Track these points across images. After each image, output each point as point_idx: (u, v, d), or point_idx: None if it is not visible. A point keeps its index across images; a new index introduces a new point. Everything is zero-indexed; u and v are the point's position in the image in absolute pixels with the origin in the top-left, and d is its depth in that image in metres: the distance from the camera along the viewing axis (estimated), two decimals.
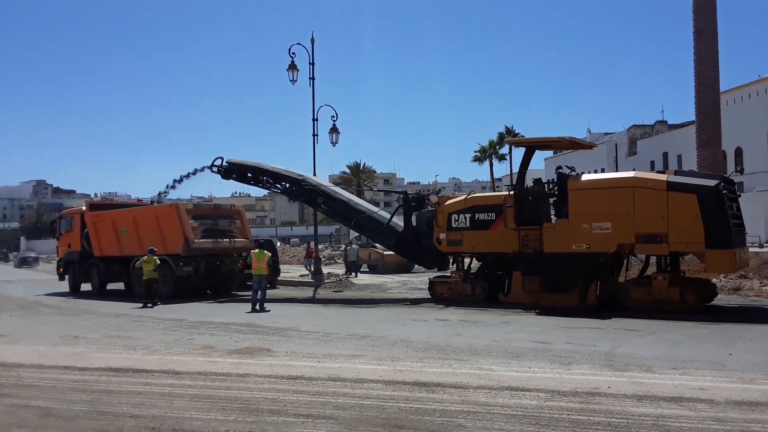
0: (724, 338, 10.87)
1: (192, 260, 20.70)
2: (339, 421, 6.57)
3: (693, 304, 14.03)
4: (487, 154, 61.53)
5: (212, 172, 21.80)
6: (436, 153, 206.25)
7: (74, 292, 24.46)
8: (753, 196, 42.41)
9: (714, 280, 18.31)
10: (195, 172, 22.32)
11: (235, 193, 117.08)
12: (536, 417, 6.45)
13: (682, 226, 13.75)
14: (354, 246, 31.39)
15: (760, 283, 17.72)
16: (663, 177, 14.55)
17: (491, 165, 62.06)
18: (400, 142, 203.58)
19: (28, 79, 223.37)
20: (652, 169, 48.44)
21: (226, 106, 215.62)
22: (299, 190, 21.09)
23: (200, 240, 20.61)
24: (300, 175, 21.12)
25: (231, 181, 22.40)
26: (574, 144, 18.46)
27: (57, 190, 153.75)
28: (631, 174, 15.80)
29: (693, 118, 27.27)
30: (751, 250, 27.18)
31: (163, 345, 11.62)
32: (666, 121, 62.19)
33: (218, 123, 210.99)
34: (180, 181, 22.77)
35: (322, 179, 22.83)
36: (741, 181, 46.98)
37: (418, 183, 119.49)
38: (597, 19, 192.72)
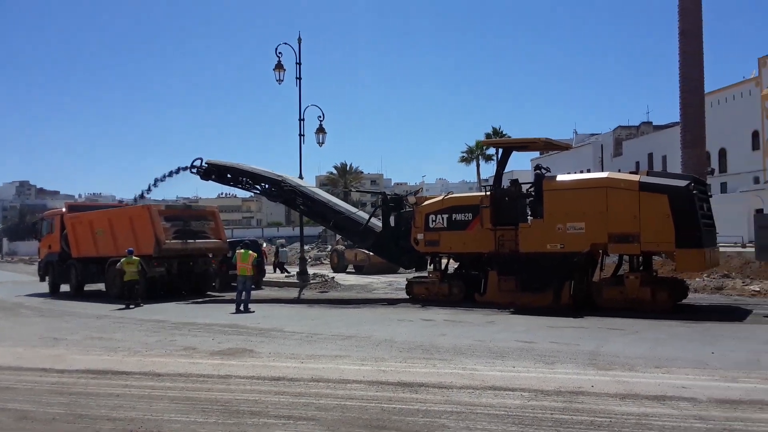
0: (707, 337, 10.91)
1: (164, 261, 20.77)
2: (321, 422, 6.51)
3: (664, 303, 14.13)
4: (474, 154, 61.81)
5: (191, 173, 21.74)
6: (424, 154, 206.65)
7: (54, 293, 24.30)
8: (736, 196, 42.80)
9: (697, 279, 18.45)
10: (174, 173, 22.21)
11: (222, 194, 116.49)
12: (519, 417, 6.42)
13: (653, 225, 13.89)
14: (284, 249, 34.41)
15: (743, 282, 17.83)
16: (635, 177, 14.69)
17: (478, 166, 62.36)
18: (388, 142, 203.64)
19: (12, 80, 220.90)
20: (638, 169, 48.72)
21: (212, 106, 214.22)
22: (278, 190, 21.06)
23: (172, 241, 20.61)
24: (279, 176, 21.10)
25: (212, 182, 22.31)
26: (549, 145, 18.65)
27: (41, 191, 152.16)
28: (604, 174, 16.06)
29: (678, 119, 27.41)
30: (733, 249, 27.43)
31: (144, 346, 11.47)
32: (651, 122, 62.67)
33: (203, 124, 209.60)
34: (162, 180, 22.64)
35: (301, 180, 22.82)
36: (725, 182, 47.53)
37: (406, 183, 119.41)
38: (583, 21, 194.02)
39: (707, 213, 14.73)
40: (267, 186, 21.47)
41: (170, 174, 22.54)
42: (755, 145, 45.60)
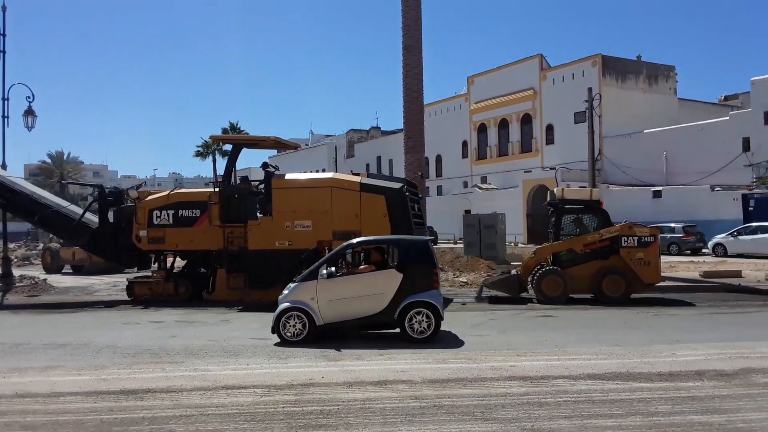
0: None
1: None
2: None
3: None
4: (210, 149, 60.14)
5: None
6: (156, 146, 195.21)
7: None
8: (449, 198, 48.43)
9: None
10: None
11: None
12: (252, 414, 6.39)
13: (372, 224, 15.08)
14: None
15: (454, 274, 20.13)
16: (357, 179, 15.86)
17: (214, 161, 60.78)
18: (115, 131, 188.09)
19: None
20: (368, 170, 52.28)
21: None
22: None
23: None
24: None
25: None
26: (279, 144, 19.22)
27: None
28: (329, 175, 17.14)
29: (402, 126, 29.90)
30: (446, 246, 30.88)
31: None
32: (380, 128, 67.71)
33: None
34: None
35: (1, 169, 19.97)
36: (440, 185, 53.32)
37: (135, 176, 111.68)
38: (322, 27, 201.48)
39: (418, 213, 16.45)
40: None
41: None
42: (464, 154, 52.01)
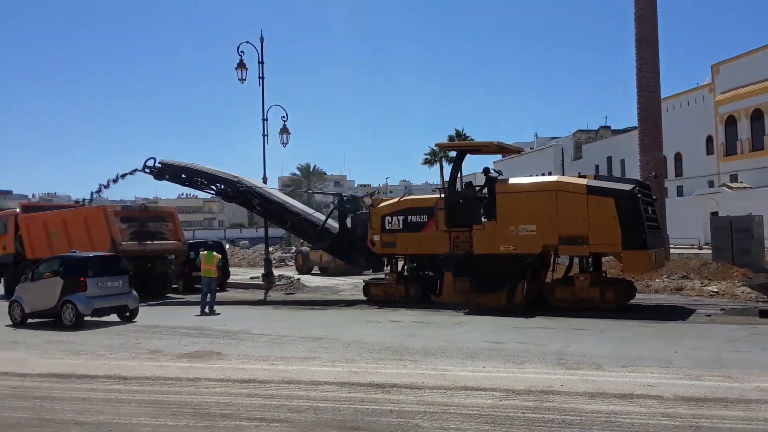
0: (670, 336, 11.19)
1: None
2: (294, 423, 6.47)
3: (612, 302, 14.57)
4: (437, 156, 62.07)
5: (144, 173, 21.55)
6: (388, 155, 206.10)
7: (9, 294, 23.55)
8: (692, 199, 44.07)
9: (657, 280, 18.89)
10: (128, 174, 22.28)
11: (182, 194, 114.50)
12: (492, 416, 6.49)
13: (600, 228, 14.26)
14: None
15: (701, 283, 18.30)
16: (583, 181, 15.09)
17: (441, 168, 62.55)
18: (352, 143, 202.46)
19: None
20: (597, 172, 49.74)
21: (173, 104, 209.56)
22: (234, 191, 20.89)
23: (128, 242, 20.24)
24: (235, 177, 20.99)
25: (168, 182, 22.20)
26: (501, 149, 19.15)
27: None
28: (554, 178, 16.62)
29: (635, 123, 28.07)
30: (690, 251, 28.18)
31: (107, 350, 11.22)
32: (609, 127, 64.05)
33: (162, 122, 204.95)
34: (115, 181, 22.72)
35: (257, 181, 22.74)
36: (681, 185, 48.87)
37: (369, 185, 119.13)
38: (542, 28, 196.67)
39: (652, 216, 15.23)
40: (222, 186, 21.29)
41: (123, 175, 22.44)
42: (709, 150, 47.00)
